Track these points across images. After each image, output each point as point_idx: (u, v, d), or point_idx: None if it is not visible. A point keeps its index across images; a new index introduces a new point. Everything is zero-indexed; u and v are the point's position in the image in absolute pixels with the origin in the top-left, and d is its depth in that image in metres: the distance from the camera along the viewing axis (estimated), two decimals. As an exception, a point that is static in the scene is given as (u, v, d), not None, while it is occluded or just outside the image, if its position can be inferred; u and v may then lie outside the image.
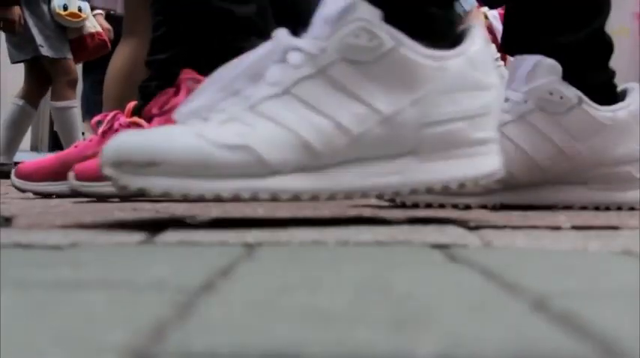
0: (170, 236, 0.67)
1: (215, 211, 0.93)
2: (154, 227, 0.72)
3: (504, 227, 0.77)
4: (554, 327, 0.32)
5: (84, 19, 3.72)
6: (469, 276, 0.47)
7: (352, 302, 0.38)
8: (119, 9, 3.54)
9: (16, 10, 3.55)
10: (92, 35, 3.76)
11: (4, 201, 1.34)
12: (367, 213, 0.97)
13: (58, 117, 3.82)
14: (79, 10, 3.70)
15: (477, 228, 0.76)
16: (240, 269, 0.49)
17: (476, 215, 0.93)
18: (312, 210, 0.97)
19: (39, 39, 3.65)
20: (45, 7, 3.68)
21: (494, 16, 5.00)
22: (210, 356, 0.28)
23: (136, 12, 2.11)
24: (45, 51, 3.65)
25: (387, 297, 0.39)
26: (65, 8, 3.67)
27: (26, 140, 4.67)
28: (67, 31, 3.74)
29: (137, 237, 0.67)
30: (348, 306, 0.37)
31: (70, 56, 3.74)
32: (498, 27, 4.97)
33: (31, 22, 3.65)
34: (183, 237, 0.66)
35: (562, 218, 0.87)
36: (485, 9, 5.06)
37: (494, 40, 4.97)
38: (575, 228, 0.76)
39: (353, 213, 0.97)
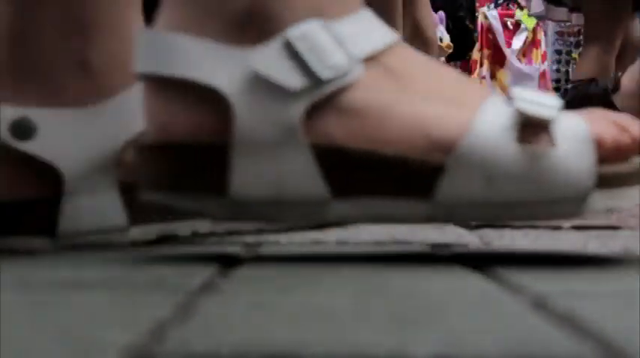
0: (170, 236, 0.67)
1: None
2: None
3: (504, 227, 0.77)
4: (554, 327, 0.32)
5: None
6: (469, 276, 0.47)
7: (352, 302, 0.38)
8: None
9: None
10: None
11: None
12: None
13: None
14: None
15: (476, 227, 0.76)
16: (240, 269, 0.49)
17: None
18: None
19: None
20: None
21: (494, 16, 4.99)
22: (210, 356, 0.28)
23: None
24: None
25: (387, 297, 0.39)
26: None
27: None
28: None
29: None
30: (348, 306, 0.37)
31: None
32: (498, 27, 4.97)
33: None
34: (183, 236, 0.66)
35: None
36: (484, 9, 5.05)
37: (493, 40, 4.98)
38: (575, 228, 0.76)
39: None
